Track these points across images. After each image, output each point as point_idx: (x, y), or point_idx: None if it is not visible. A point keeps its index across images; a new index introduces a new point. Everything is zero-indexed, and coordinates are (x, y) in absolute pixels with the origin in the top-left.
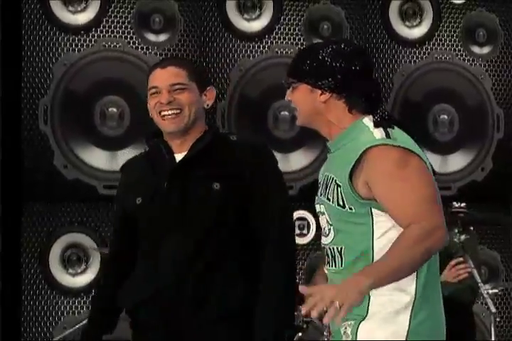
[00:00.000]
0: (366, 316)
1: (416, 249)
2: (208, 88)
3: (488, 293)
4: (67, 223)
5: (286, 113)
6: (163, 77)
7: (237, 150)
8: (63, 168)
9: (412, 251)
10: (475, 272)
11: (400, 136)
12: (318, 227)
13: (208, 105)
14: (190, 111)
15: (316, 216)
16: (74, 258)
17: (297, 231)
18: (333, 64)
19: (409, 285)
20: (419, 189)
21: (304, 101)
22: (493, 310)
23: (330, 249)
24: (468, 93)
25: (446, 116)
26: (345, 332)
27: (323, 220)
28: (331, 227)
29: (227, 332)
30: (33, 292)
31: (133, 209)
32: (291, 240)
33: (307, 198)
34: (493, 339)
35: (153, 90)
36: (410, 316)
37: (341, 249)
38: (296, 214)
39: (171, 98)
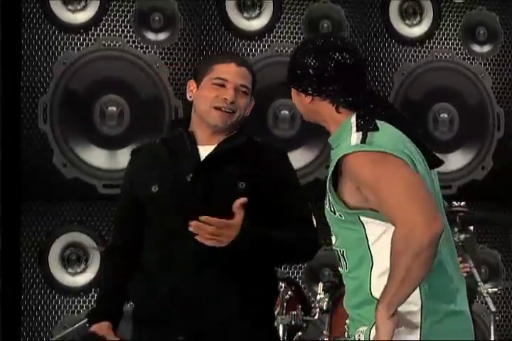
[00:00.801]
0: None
1: (404, 259)
2: (252, 98)
3: (488, 292)
4: (66, 222)
5: (286, 112)
6: (236, 74)
7: (262, 152)
8: (63, 166)
9: (402, 262)
10: (474, 271)
11: (380, 138)
12: (318, 226)
13: (247, 113)
14: (241, 114)
15: (315, 215)
16: (73, 258)
17: None
18: (306, 64)
19: (413, 295)
20: (393, 189)
21: (297, 102)
22: (493, 309)
23: (336, 250)
24: (469, 92)
25: (446, 115)
26: (359, 339)
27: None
28: (332, 230)
29: (248, 332)
30: (32, 291)
31: (147, 196)
32: (316, 239)
33: (307, 198)
34: (492, 338)
35: (220, 81)
36: (421, 321)
37: (343, 252)
38: None
39: (235, 98)
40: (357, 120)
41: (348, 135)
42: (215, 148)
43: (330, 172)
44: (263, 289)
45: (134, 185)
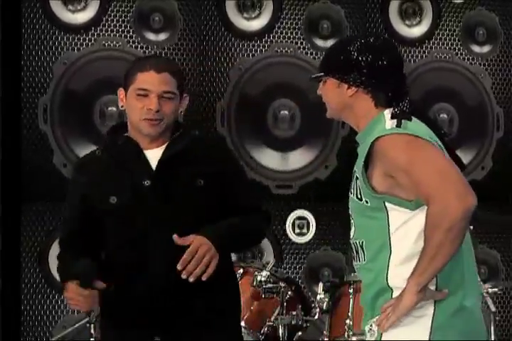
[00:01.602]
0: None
1: (437, 234)
2: (185, 95)
3: (487, 292)
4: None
5: (286, 112)
6: (157, 82)
7: (206, 146)
8: (63, 166)
9: (436, 238)
10: None
11: (413, 126)
12: (318, 226)
13: (181, 112)
14: (169, 119)
15: (315, 215)
16: None
17: (296, 230)
18: (360, 58)
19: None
20: (426, 170)
21: (332, 95)
22: (493, 309)
23: (354, 243)
24: (468, 92)
25: (446, 115)
26: (370, 329)
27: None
28: (353, 222)
29: (224, 331)
30: (32, 291)
31: (107, 208)
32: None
33: (306, 197)
34: (492, 338)
35: (143, 92)
36: (433, 313)
37: (362, 243)
38: (296, 213)
39: (159, 106)
40: (393, 110)
41: (380, 124)
42: (165, 150)
43: (363, 156)
44: (233, 284)
45: (87, 199)
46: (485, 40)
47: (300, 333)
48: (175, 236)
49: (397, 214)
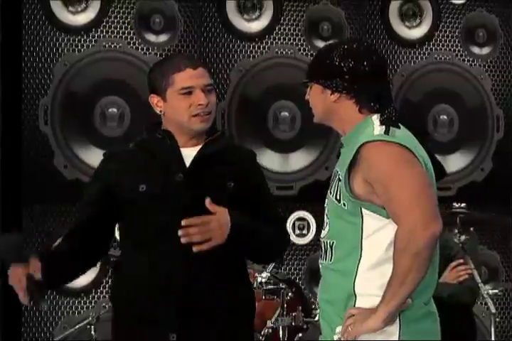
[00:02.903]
0: None
1: (404, 259)
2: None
3: (488, 294)
4: (67, 223)
5: (286, 113)
6: (197, 78)
7: (239, 153)
8: (63, 168)
9: (403, 262)
10: (475, 273)
11: (401, 134)
12: (318, 227)
13: None
14: (215, 112)
15: (315, 216)
16: None
17: (297, 232)
18: (342, 64)
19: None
20: (403, 188)
21: (317, 100)
22: (493, 310)
23: (324, 242)
24: (468, 93)
25: (445, 117)
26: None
27: (325, 214)
28: (328, 221)
29: (238, 330)
30: None
31: (134, 195)
32: (288, 239)
33: (307, 198)
34: (493, 339)
35: (187, 90)
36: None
37: (332, 243)
38: (296, 214)
39: (207, 99)
40: (381, 116)
41: (368, 129)
42: (200, 150)
43: (349, 159)
44: (246, 284)
45: (113, 186)
46: (485, 41)
47: (300, 334)
48: (207, 201)
49: (371, 221)
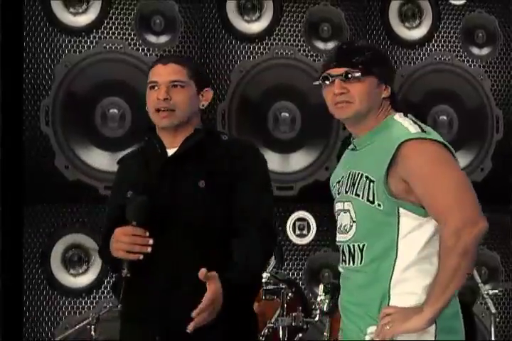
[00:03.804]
0: None
1: (452, 258)
2: (206, 89)
3: (488, 294)
4: (68, 224)
5: (287, 114)
6: (163, 73)
7: (226, 148)
8: (64, 168)
9: (450, 261)
10: (475, 273)
11: (434, 132)
12: (318, 228)
13: (203, 106)
14: (183, 111)
15: (315, 216)
16: (75, 259)
17: (297, 232)
18: (390, 63)
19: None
20: (444, 187)
21: (369, 94)
22: (493, 310)
23: (349, 246)
24: (468, 94)
25: (445, 117)
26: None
27: (344, 218)
28: (354, 224)
29: (228, 333)
30: (34, 292)
31: (124, 202)
32: (272, 242)
33: (307, 199)
34: (493, 339)
35: (152, 85)
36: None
37: (363, 246)
38: (296, 214)
39: (168, 95)
40: (408, 116)
41: (390, 129)
42: (178, 148)
43: (388, 158)
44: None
45: (117, 193)
46: (484, 42)
47: (300, 335)
48: (201, 272)
49: (408, 220)
